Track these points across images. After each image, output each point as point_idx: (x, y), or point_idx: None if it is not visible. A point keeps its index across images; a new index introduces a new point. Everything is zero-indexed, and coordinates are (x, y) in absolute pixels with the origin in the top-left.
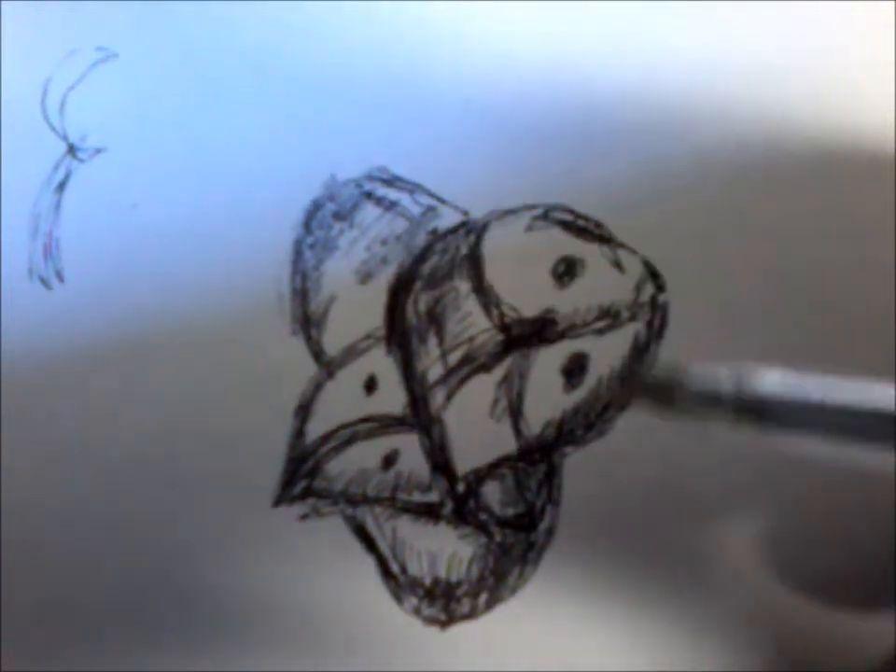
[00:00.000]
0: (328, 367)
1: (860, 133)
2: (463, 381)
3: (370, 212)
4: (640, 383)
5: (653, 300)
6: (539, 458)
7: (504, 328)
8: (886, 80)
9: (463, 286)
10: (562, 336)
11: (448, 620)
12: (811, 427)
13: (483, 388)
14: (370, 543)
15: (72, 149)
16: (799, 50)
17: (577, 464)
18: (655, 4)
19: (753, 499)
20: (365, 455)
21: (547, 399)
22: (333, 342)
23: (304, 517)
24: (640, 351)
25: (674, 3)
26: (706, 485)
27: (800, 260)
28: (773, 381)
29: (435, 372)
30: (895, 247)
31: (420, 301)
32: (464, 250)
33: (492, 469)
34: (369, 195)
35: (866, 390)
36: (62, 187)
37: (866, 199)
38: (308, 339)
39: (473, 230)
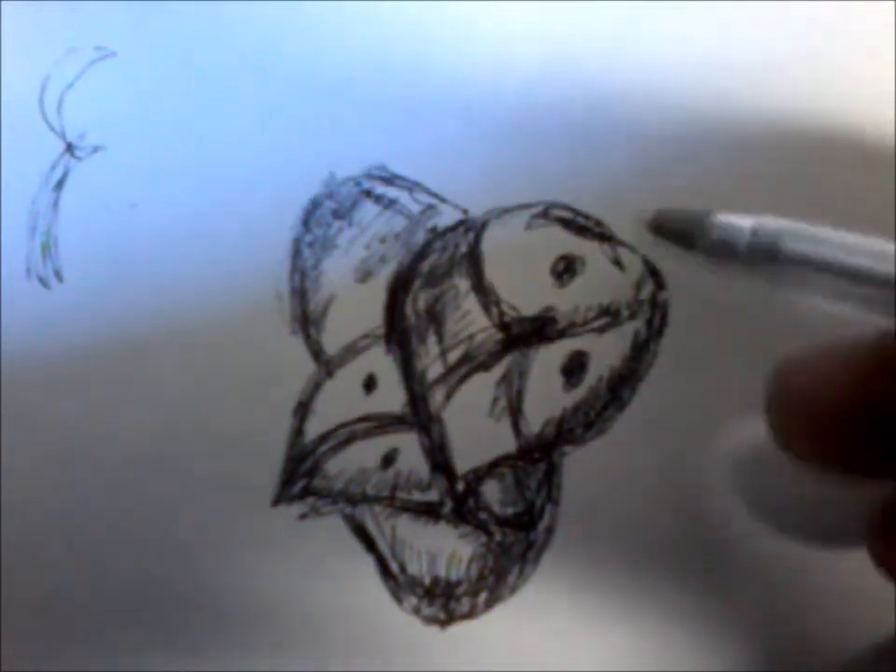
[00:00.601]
0: (327, 366)
1: (860, 132)
2: (462, 379)
3: (369, 210)
4: (662, 224)
5: (653, 298)
6: (538, 457)
7: (504, 326)
8: (886, 79)
9: (462, 284)
10: (561, 335)
11: (448, 619)
12: (822, 277)
13: (482, 387)
14: (369, 542)
15: (70, 148)
16: (799, 48)
17: (577, 463)
18: (654, 3)
19: (752, 496)
20: (364, 454)
21: (547, 397)
22: (332, 340)
23: (303, 516)
24: (640, 349)
25: (673, 2)
26: (706, 484)
27: None
28: (787, 230)
29: (434, 371)
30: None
31: (419, 300)
32: (463, 248)
33: (491, 468)
34: (368, 193)
35: (877, 245)
36: (60, 185)
37: (867, 197)
38: (307, 338)
39: (473, 228)
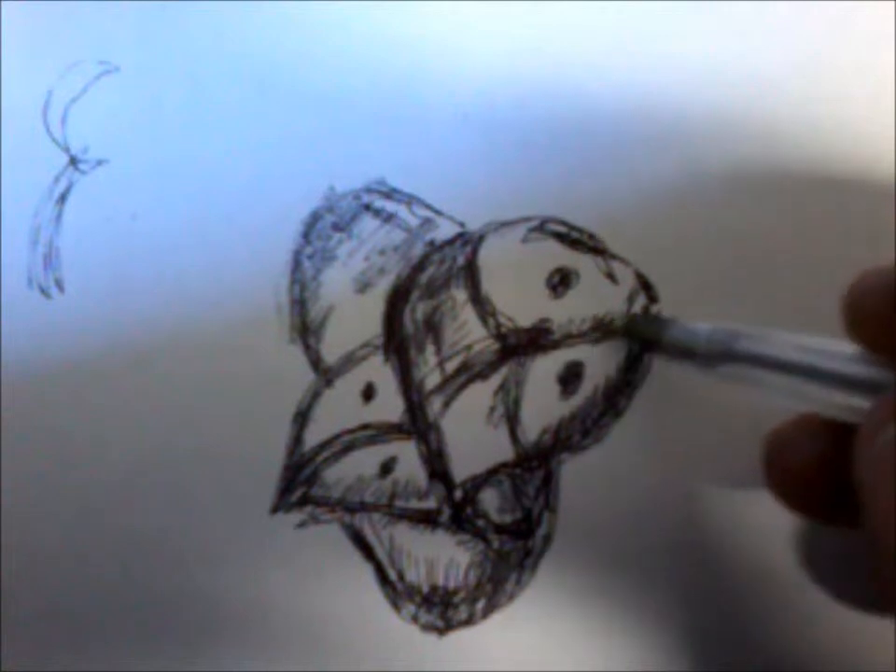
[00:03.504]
0: (325, 375)
1: (856, 144)
2: (460, 388)
3: (368, 223)
4: (628, 327)
5: (646, 310)
6: (536, 465)
7: (500, 336)
8: (884, 91)
9: (460, 295)
10: (557, 345)
11: (446, 627)
12: (771, 375)
13: (480, 396)
14: (367, 550)
15: (73, 161)
16: (794, 63)
17: (573, 471)
18: (651, 19)
19: (750, 503)
20: (363, 463)
21: (543, 406)
22: (331, 350)
23: (302, 524)
24: (634, 360)
25: (669, 17)
26: (702, 491)
27: (794, 272)
28: (739, 332)
29: (432, 380)
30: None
31: (417, 311)
32: (461, 261)
33: (489, 476)
34: (367, 207)
35: (824, 346)
36: (63, 198)
37: (862, 209)
38: (306, 347)
39: (470, 241)
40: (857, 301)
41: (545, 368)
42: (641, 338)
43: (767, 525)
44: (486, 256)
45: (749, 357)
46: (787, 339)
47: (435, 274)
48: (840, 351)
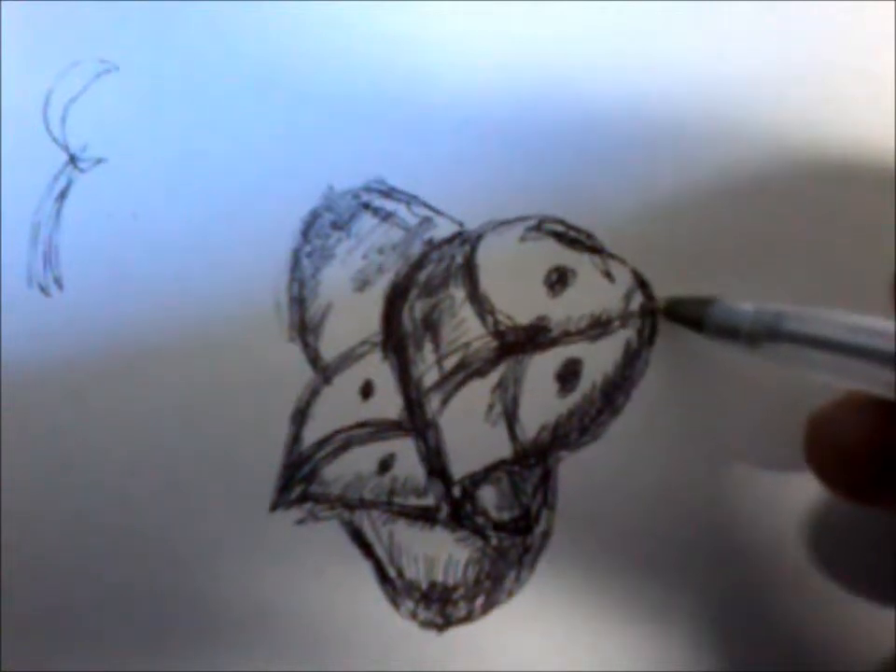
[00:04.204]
0: (324, 373)
1: (856, 148)
2: (458, 386)
3: (367, 222)
4: (671, 307)
5: (642, 308)
6: (534, 462)
7: (498, 334)
8: (884, 92)
9: (458, 293)
10: (555, 343)
11: (445, 624)
12: (818, 354)
13: (478, 393)
14: (366, 548)
15: (73, 159)
16: (794, 65)
17: (572, 468)
18: (650, 20)
19: (750, 499)
20: (361, 460)
21: (542, 403)
22: (330, 348)
23: (301, 522)
24: (632, 357)
25: (668, 20)
26: (700, 489)
27: (791, 272)
28: (785, 312)
29: (431, 378)
30: (895, 264)
31: (416, 309)
32: (459, 259)
33: (488, 473)
34: (366, 206)
35: (872, 325)
36: (62, 196)
37: (862, 211)
38: (305, 345)
39: (468, 240)
40: None
41: (543, 365)
42: (684, 318)
43: (770, 520)
44: (485, 254)
45: (796, 336)
46: (833, 318)
47: (433, 273)
48: (888, 329)
